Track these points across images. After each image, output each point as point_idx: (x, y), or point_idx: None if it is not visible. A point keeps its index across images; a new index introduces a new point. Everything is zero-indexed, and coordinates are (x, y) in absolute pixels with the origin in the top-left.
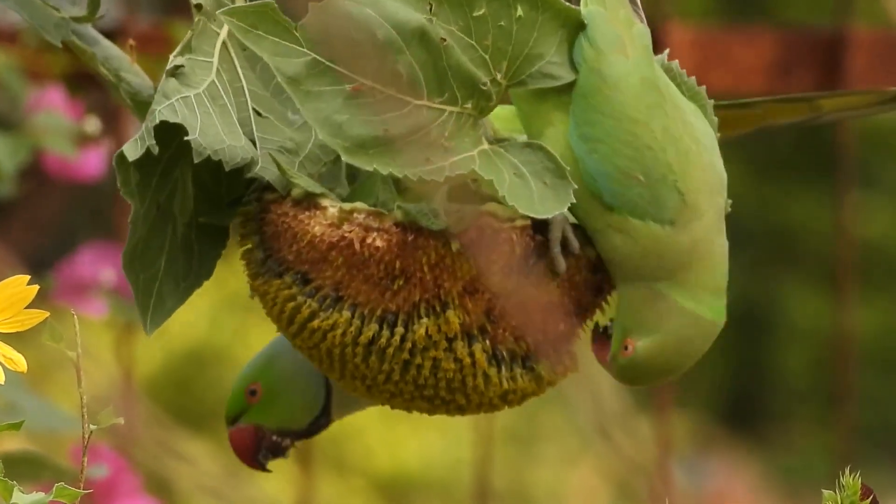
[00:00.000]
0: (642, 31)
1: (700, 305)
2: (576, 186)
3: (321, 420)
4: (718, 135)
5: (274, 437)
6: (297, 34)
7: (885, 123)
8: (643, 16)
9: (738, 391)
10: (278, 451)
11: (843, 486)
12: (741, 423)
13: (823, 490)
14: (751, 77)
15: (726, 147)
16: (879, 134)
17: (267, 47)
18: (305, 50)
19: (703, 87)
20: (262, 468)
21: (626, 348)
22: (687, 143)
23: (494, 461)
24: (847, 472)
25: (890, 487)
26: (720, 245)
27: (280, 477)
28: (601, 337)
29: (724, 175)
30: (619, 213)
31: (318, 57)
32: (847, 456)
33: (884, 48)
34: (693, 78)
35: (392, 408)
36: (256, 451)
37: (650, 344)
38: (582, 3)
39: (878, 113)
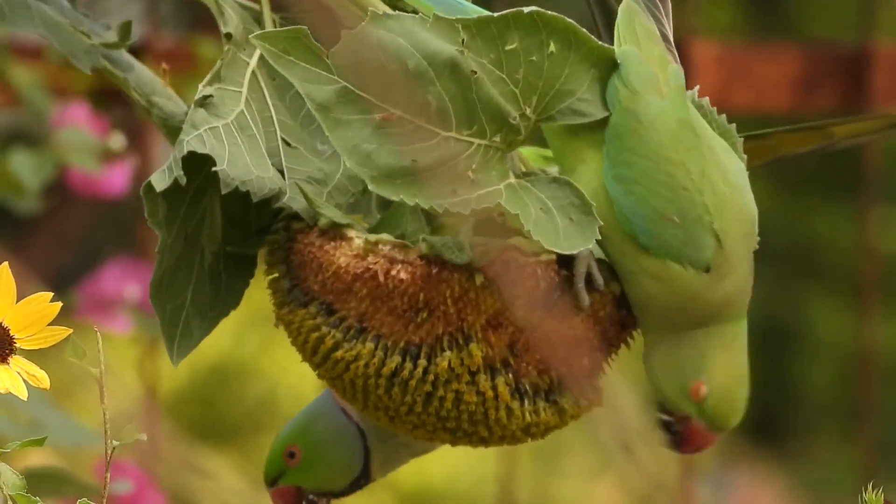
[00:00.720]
0: (677, 70)
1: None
2: (601, 223)
3: (360, 481)
4: (748, 169)
5: (312, 497)
6: (329, 61)
7: None
8: (677, 55)
9: (762, 406)
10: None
11: (865, 501)
12: (765, 437)
13: None
14: (774, 94)
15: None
16: None
17: (298, 73)
18: (336, 77)
19: (734, 125)
20: None
21: (697, 393)
22: (722, 188)
23: (518, 476)
24: (870, 487)
25: None
26: (742, 310)
27: None
28: (666, 426)
29: (756, 214)
30: (655, 256)
31: (348, 85)
32: (870, 471)
33: None
34: (724, 116)
35: (415, 438)
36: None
37: (713, 377)
38: (616, 42)
39: (891, 137)
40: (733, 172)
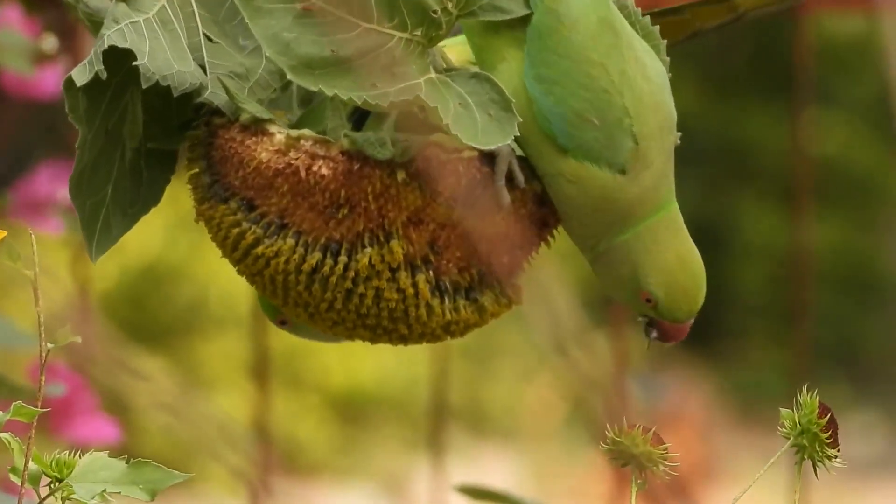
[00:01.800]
0: None
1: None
2: (520, 119)
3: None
4: (670, 74)
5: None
6: None
7: (842, 39)
8: None
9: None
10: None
11: (800, 404)
12: (697, 339)
13: (781, 409)
14: None
15: (682, 64)
16: (836, 50)
17: None
18: None
19: (657, 27)
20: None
21: (647, 301)
22: (641, 85)
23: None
24: (804, 390)
25: (845, 404)
26: (669, 198)
27: (235, 393)
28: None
29: (675, 114)
30: (573, 157)
31: None
32: (803, 373)
33: None
34: (647, 17)
35: (334, 335)
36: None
37: (654, 282)
38: None
39: (792, 4)
40: (653, 71)
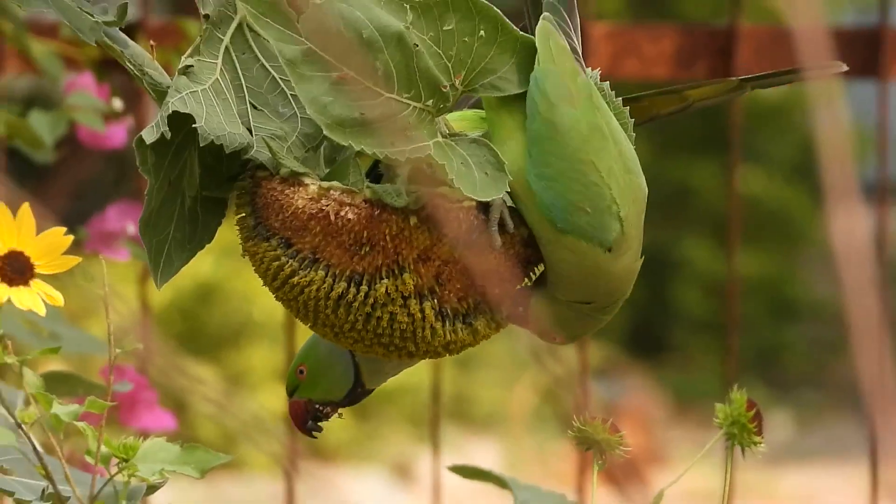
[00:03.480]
0: (586, 81)
1: (597, 314)
2: (510, 178)
3: (357, 390)
4: (634, 146)
5: (318, 407)
6: (298, 25)
7: (767, 104)
8: (584, 65)
9: (645, 324)
10: (320, 418)
11: (731, 400)
12: (646, 350)
13: (716, 404)
14: (657, 66)
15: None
16: (764, 113)
17: (273, 33)
18: (303, 39)
19: (628, 108)
20: (310, 434)
21: (555, 339)
22: (624, 177)
23: (446, 383)
24: (735, 388)
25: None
26: (635, 266)
27: (270, 392)
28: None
29: (646, 190)
30: (570, 234)
31: (313, 46)
32: (731, 376)
33: (766, 40)
34: (620, 100)
35: (355, 352)
36: (305, 420)
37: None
38: (536, 60)
39: (732, 98)
40: (631, 159)
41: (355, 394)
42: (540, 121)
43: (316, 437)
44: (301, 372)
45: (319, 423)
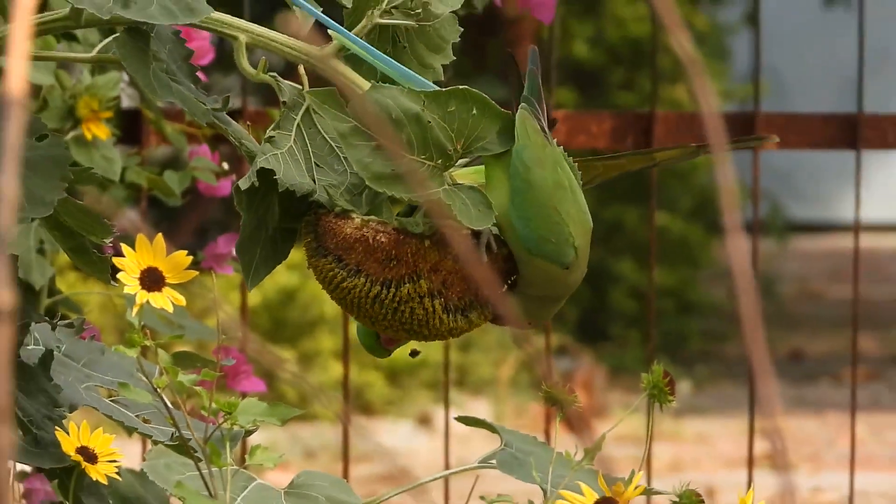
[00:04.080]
0: (552, 150)
1: (554, 307)
2: (497, 214)
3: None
4: (587, 189)
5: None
6: (348, 109)
7: (674, 166)
8: (552, 139)
9: (590, 319)
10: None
11: (652, 371)
12: (591, 337)
13: (642, 374)
14: (599, 141)
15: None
16: (671, 173)
17: (330, 115)
18: (351, 119)
19: (580, 173)
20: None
21: (524, 327)
22: (578, 217)
23: (452, 357)
24: (655, 364)
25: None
26: (580, 277)
27: (331, 367)
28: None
29: (591, 225)
30: (539, 257)
31: (358, 124)
32: (651, 356)
33: (675, 122)
34: (572, 159)
35: (382, 333)
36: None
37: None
38: (516, 137)
39: (689, 159)
40: (582, 202)
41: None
42: (519, 179)
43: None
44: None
45: (391, 343)
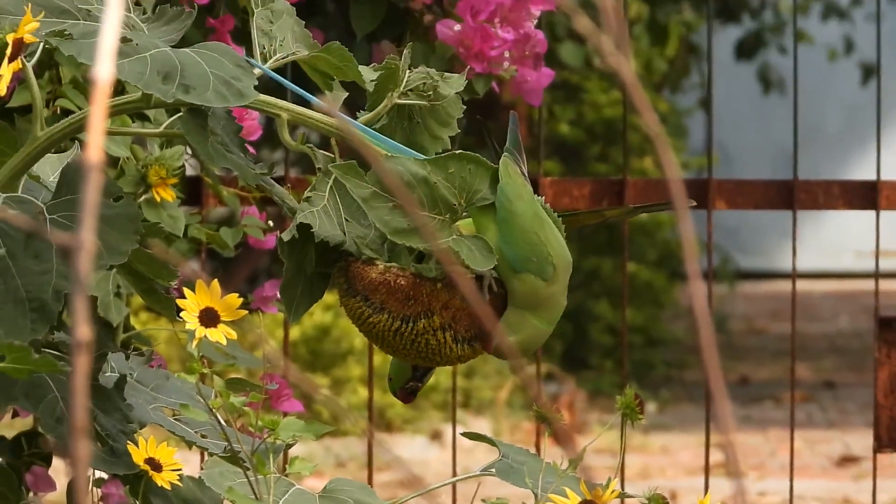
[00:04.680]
0: (529, 189)
1: (542, 323)
2: (497, 258)
3: (416, 378)
4: (565, 235)
5: (406, 387)
6: (367, 178)
7: (642, 223)
8: (528, 178)
9: (572, 351)
10: (410, 391)
11: (625, 394)
12: (574, 366)
13: (617, 396)
14: (580, 203)
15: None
16: (640, 229)
17: (352, 183)
18: (370, 185)
19: (561, 222)
20: (410, 400)
21: (516, 357)
22: (555, 243)
23: (459, 382)
24: (627, 389)
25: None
26: (562, 298)
27: (358, 391)
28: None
29: (570, 258)
30: (522, 273)
31: (376, 189)
32: (624, 382)
33: (643, 187)
34: (556, 213)
35: (402, 360)
36: (405, 397)
37: (516, 339)
38: (500, 178)
39: (629, 217)
40: (560, 239)
41: (414, 379)
42: (504, 210)
43: (412, 401)
44: (391, 379)
45: (410, 395)
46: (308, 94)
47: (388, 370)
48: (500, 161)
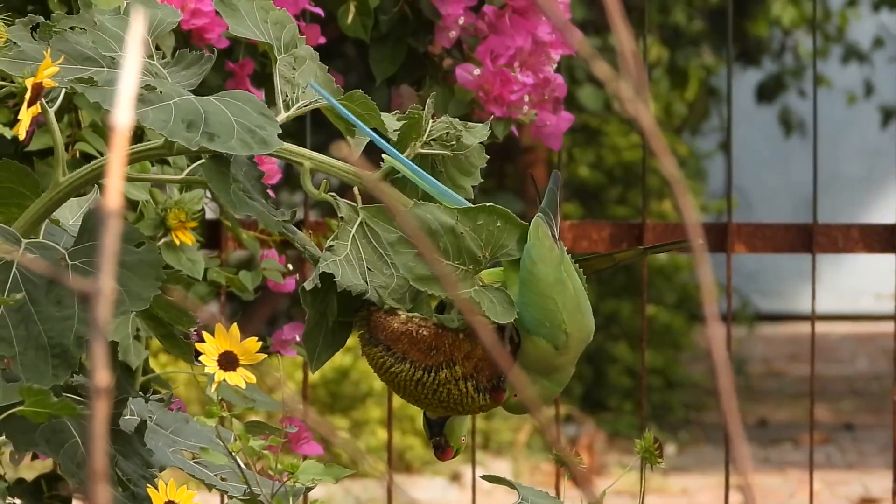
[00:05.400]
0: (558, 253)
1: (553, 385)
2: (519, 315)
3: (435, 433)
4: (586, 286)
5: (433, 441)
6: (394, 223)
7: (661, 265)
8: (559, 240)
9: (591, 393)
10: (440, 447)
11: (644, 437)
12: (593, 408)
13: (635, 440)
14: (599, 246)
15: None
16: (658, 271)
17: (379, 227)
18: (397, 230)
19: (580, 267)
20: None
21: (515, 395)
22: (574, 311)
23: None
24: (646, 432)
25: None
26: (571, 367)
27: (378, 432)
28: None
29: (592, 327)
30: (536, 336)
31: (403, 234)
32: (643, 424)
33: (662, 230)
34: (577, 265)
35: (424, 409)
36: (435, 451)
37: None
38: (528, 237)
39: (639, 259)
40: (584, 303)
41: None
42: (525, 271)
43: (447, 457)
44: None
45: (438, 451)
46: (433, 180)
47: (406, 412)
48: (532, 221)
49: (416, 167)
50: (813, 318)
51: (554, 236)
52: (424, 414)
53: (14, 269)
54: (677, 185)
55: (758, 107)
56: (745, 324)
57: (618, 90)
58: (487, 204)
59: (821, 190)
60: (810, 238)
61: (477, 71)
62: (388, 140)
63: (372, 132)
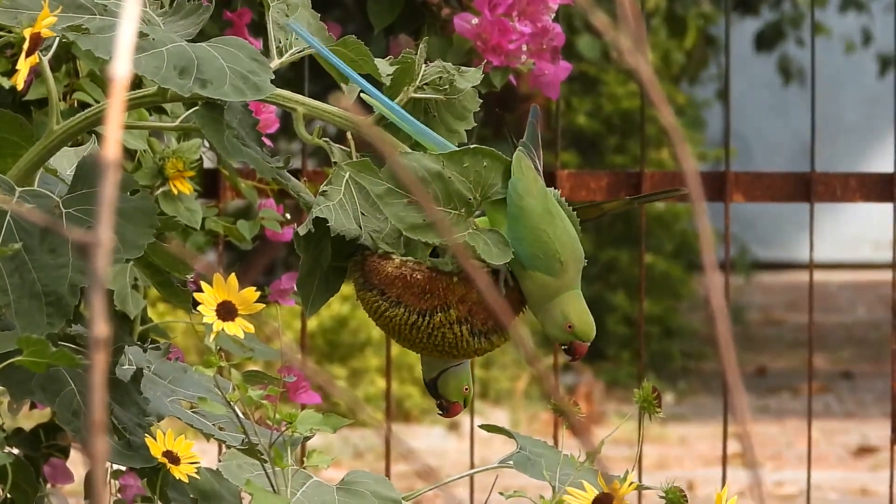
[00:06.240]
0: (542, 185)
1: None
2: (513, 252)
3: (435, 395)
4: (580, 228)
5: (440, 402)
6: (381, 174)
7: (658, 214)
8: (542, 174)
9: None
10: (442, 407)
11: (642, 387)
12: (591, 357)
13: (634, 389)
14: (597, 195)
15: (590, 227)
16: (656, 220)
17: (366, 180)
18: (384, 181)
19: (575, 212)
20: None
21: (569, 329)
22: (564, 238)
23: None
24: (645, 381)
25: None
26: (576, 285)
27: (376, 382)
28: (565, 351)
29: (582, 252)
30: (531, 270)
31: (391, 185)
32: (641, 374)
33: (660, 179)
34: (566, 202)
35: (419, 353)
36: (442, 410)
37: (572, 317)
38: (512, 173)
39: (628, 209)
40: (571, 230)
41: (430, 389)
42: (514, 206)
43: (452, 414)
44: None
45: (443, 411)
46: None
47: (405, 361)
48: (514, 156)
49: (396, 106)
50: (811, 266)
51: (536, 168)
52: (424, 378)
53: (8, 217)
54: (675, 133)
55: (756, 55)
56: (744, 272)
57: (616, 41)
58: (471, 146)
59: (819, 138)
60: (808, 187)
61: (475, 20)
62: (377, 85)
63: (352, 72)
